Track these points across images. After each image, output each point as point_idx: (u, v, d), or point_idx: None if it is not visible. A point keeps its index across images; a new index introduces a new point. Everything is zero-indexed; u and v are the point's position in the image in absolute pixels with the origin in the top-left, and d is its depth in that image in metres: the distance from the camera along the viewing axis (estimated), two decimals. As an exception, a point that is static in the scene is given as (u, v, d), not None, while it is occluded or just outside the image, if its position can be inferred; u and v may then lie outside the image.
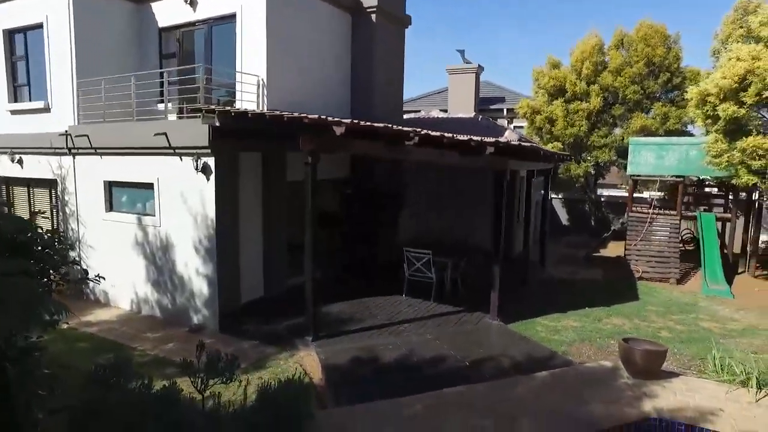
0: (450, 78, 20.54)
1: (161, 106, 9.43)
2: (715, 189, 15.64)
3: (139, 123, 8.67)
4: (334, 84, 11.08)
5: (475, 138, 7.49)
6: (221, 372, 4.16)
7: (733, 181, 10.99)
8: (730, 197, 14.28)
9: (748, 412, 5.29)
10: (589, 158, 17.31)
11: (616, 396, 5.49)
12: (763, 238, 14.87)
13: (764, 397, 5.65)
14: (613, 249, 16.34)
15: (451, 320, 8.52)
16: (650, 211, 13.59)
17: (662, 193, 15.75)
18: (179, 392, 4.02)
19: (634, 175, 14.30)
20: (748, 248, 13.53)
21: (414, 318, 8.57)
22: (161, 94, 9.54)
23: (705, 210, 14.30)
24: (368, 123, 7.05)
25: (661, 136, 15.81)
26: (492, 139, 7.57)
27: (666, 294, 10.91)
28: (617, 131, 17.44)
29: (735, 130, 10.93)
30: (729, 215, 13.26)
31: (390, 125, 7.29)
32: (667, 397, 5.49)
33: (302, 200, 8.77)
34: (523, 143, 8.90)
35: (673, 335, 8.14)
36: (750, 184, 10.73)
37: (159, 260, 8.65)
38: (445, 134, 7.27)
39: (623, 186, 19.96)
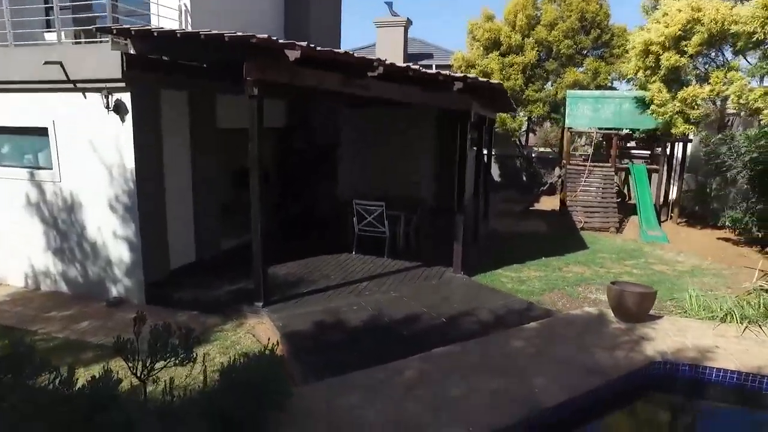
0: (378, 31, 19.52)
1: (51, 37, 7.59)
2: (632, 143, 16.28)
3: (22, 49, 6.87)
4: (267, 20, 9.68)
5: (443, 72, 6.69)
6: (174, 350, 3.10)
7: (672, 131, 11.17)
8: (658, 150, 14.81)
9: (740, 346, 5.13)
10: (523, 113, 17.23)
11: (614, 342, 5.10)
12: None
13: (746, 329, 5.57)
14: (547, 203, 16.54)
15: (412, 276, 7.83)
16: (587, 163, 13.70)
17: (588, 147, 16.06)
18: (116, 383, 2.91)
19: (571, 128, 14.32)
20: (670, 197, 14.15)
21: (372, 275, 7.77)
22: (48, 21, 7.68)
23: (636, 162, 14.72)
24: (326, 48, 5.96)
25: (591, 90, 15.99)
26: (460, 74, 6.82)
27: (610, 242, 11.02)
28: (549, 86, 17.46)
29: (674, 80, 11.07)
30: (657, 167, 13.71)
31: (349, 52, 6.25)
32: (663, 339, 5.20)
33: (235, 151, 7.51)
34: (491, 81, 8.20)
35: (634, 279, 8.04)
36: (686, 134, 10.97)
37: (62, 224, 7.06)
38: (411, 65, 6.39)
39: (539, 147, 20.37)
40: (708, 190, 13.46)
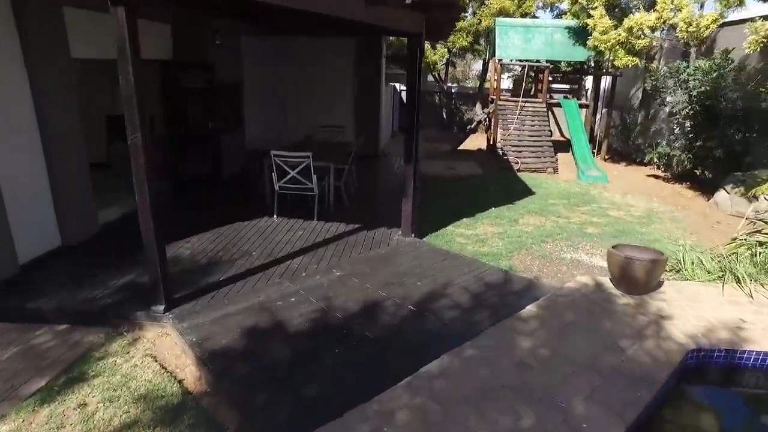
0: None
1: None
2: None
3: None
4: None
5: (393, -25, 4.97)
6: None
7: (616, 62, 10.36)
8: (580, 85, 14.25)
9: (763, 316, 4.40)
10: (445, 44, 15.77)
11: (635, 327, 4.10)
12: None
13: (750, 292, 4.89)
14: (472, 142, 15.62)
15: (355, 243, 6.35)
16: (519, 99, 12.75)
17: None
18: None
19: (501, 59, 13.18)
20: (597, 134, 13.80)
21: (305, 247, 6.19)
22: None
23: (566, 97, 14.06)
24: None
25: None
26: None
27: (553, 185, 10.28)
28: (470, 15, 16.08)
29: (616, 6, 10.15)
30: (588, 102, 13.13)
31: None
32: (682, 316, 4.30)
33: (106, 92, 5.36)
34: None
35: (600, 230, 7.28)
36: (630, 66, 10.25)
37: None
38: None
39: (460, 81, 19.23)
40: (632, 126, 13.23)
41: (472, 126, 14.21)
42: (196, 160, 8.63)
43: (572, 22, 12.80)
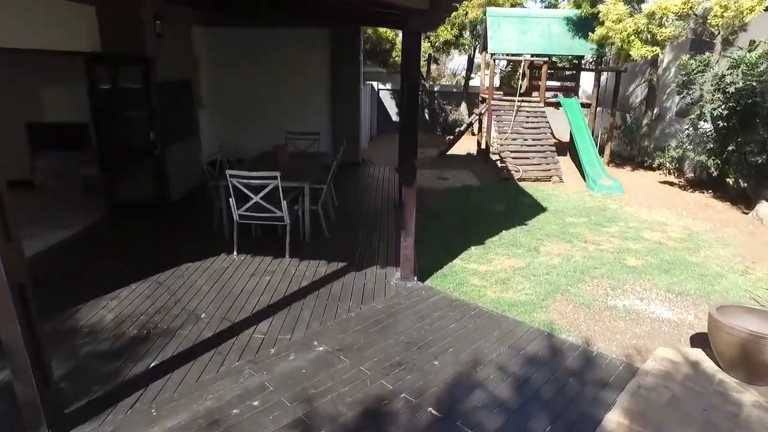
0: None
1: None
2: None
3: None
4: None
5: None
6: None
7: (632, 54, 9.02)
8: (572, 83, 12.98)
9: None
10: (426, 37, 14.29)
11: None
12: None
13: None
14: (459, 145, 14.18)
15: (341, 293, 4.77)
16: (516, 98, 11.35)
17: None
18: None
19: (494, 54, 11.75)
20: (599, 136, 12.55)
21: (273, 304, 4.58)
22: None
23: (566, 96, 12.74)
24: None
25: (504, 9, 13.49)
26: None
27: (563, 198, 8.89)
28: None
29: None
30: (589, 101, 11.82)
31: None
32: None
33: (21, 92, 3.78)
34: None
35: (643, 261, 5.88)
36: (649, 57, 8.95)
37: None
38: None
39: (442, 79, 17.87)
40: (635, 126, 12.01)
41: (462, 128, 12.77)
42: (135, 181, 6.89)
43: (572, 12, 11.50)
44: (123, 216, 6.83)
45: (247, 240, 5.90)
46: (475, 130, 14.02)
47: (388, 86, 16.29)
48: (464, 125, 12.87)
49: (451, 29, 14.03)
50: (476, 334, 4.12)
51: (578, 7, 10.74)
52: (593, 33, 10.63)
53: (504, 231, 6.96)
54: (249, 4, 7.48)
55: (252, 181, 5.24)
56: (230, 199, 5.36)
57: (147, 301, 4.55)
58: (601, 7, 9.42)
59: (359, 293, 4.80)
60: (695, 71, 8.13)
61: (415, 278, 5.08)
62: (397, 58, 14.34)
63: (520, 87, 12.08)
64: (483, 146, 12.42)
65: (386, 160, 11.77)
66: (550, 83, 13.53)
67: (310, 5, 8.06)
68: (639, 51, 8.66)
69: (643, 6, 8.38)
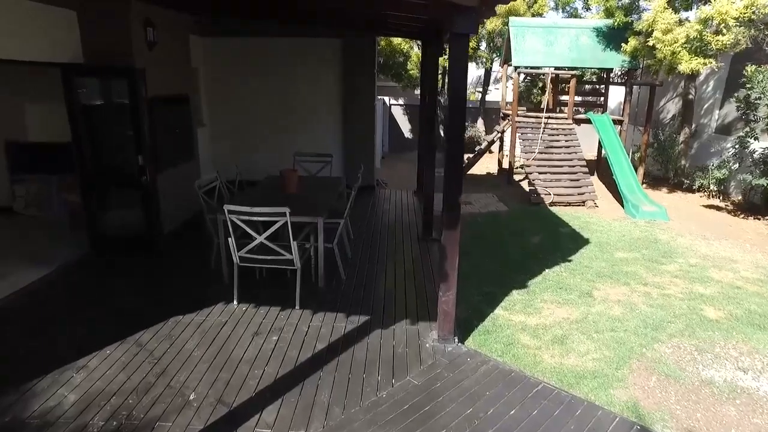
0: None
1: None
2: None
3: None
4: None
5: None
6: None
7: (680, 68, 8.07)
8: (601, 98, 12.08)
9: None
10: (445, 50, 13.45)
11: None
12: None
13: None
14: (478, 164, 13.28)
15: (366, 364, 3.80)
16: (544, 115, 10.45)
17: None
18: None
19: (518, 67, 10.88)
20: (629, 154, 11.61)
21: (281, 377, 3.62)
22: None
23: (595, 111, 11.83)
24: None
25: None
26: None
27: (605, 226, 7.92)
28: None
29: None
30: (623, 118, 10.90)
31: None
32: None
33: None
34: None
35: (725, 313, 4.89)
36: (701, 70, 8.05)
37: None
38: None
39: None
40: (669, 144, 11.08)
41: (482, 147, 11.85)
42: (120, 212, 5.98)
43: (602, 22, 10.64)
44: (107, 252, 5.91)
45: (249, 283, 4.97)
46: (494, 149, 13.12)
47: (401, 101, 15.46)
48: (485, 143, 11.97)
49: (473, 39, 13.21)
50: (546, 426, 3.15)
51: (610, 16, 9.89)
52: (626, 44, 9.77)
53: (547, 269, 6.01)
54: (253, 6, 6.64)
55: (259, 218, 4.31)
56: (229, 239, 4.43)
57: (122, 373, 3.60)
58: (646, 15, 8.54)
59: (389, 361, 3.84)
60: (762, 82, 7.18)
61: (456, 339, 4.12)
62: (411, 71, 13.52)
63: (546, 102, 11.21)
64: (505, 166, 11.51)
65: (401, 181, 10.89)
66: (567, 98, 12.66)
67: (329, 3, 7.24)
68: (689, 64, 7.75)
69: (691, 13, 7.52)
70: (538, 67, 11.23)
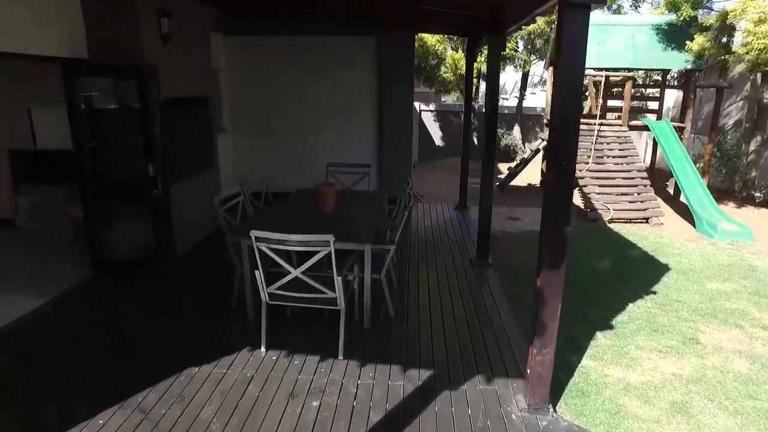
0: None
1: None
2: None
3: None
4: None
5: None
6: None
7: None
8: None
9: None
10: (482, 52, 12.53)
11: None
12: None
13: None
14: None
15: (439, 448, 2.86)
16: (597, 121, 9.44)
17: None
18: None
19: (568, 69, 9.89)
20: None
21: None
22: None
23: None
24: None
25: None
26: None
27: (680, 248, 6.87)
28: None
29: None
30: (684, 124, 9.83)
31: None
32: None
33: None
34: None
35: None
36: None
37: None
38: None
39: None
40: (733, 153, 9.97)
41: (526, 156, 10.86)
42: (128, 230, 5.14)
43: (662, 19, 9.62)
44: (110, 277, 5.06)
45: (279, 321, 4.06)
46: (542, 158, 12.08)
47: (431, 107, 14.55)
48: (529, 152, 10.97)
49: (508, 42, 12.28)
50: None
51: (675, 9, 8.86)
52: (691, 41, 8.75)
53: (629, 303, 5.01)
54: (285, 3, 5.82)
55: (294, 247, 3.41)
56: (257, 272, 3.52)
57: (120, 454, 2.71)
58: (730, 5, 7.52)
59: (468, 445, 2.88)
60: None
61: (550, 407, 3.15)
62: (445, 75, 12.61)
63: (590, 108, 10.21)
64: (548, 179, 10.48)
65: (437, 194, 9.96)
66: (613, 103, 11.60)
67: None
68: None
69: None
70: (592, 68, 10.21)
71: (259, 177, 5.32)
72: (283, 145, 8.27)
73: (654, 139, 9.93)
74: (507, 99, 17.62)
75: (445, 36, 12.62)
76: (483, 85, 14.09)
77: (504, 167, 13.86)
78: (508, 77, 16.33)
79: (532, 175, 12.13)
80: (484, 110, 8.20)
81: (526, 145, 14.77)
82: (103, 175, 4.88)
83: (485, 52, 12.87)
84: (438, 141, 14.83)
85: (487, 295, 4.88)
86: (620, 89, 10.45)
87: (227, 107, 8.11)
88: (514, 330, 4.15)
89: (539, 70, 15.05)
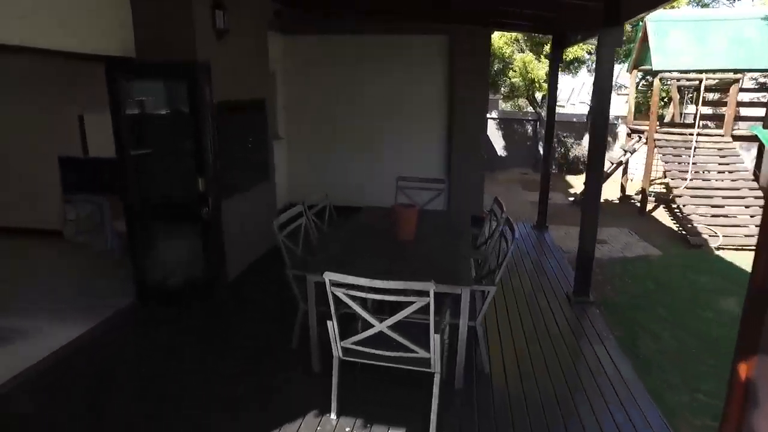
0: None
1: None
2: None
3: None
4: None
5: None
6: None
7: None
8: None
9: None
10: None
11: None
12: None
13: None
14: (581, 185, 11.16)
15: None
16: (695, 131, 8.27)
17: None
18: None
19: (660, 72, 8.76)
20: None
21: None
22: None
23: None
24: None
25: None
26: None
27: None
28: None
29: None
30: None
31: None
32: None
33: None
34: None
35: None
36: None
37: None
38: None
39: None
40: None
41: (609, 170, 9.75)
42: (173, 251, 4.51)
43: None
44: (153, 303, 4.45)
45: (348, 378, 3.27)
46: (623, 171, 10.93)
47: (494, 114, 13.60)
48: (612, 165, 9.84)
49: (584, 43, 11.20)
50: None
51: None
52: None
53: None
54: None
55: (372, 294, 2.62)
56: (330, 323, 2.75)
57: None
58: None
59: None
60: None
61: None
62: (513, 79, 11.64)
63: (672, 115, 9.02)
64: (630, 192, 9.38)
65: (507, 209, 8.99)
66: (706, 109, 10.29)
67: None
68: None
69: None
70: (684, 71, 9.02)
71: (325, 195, 4.58)
72: (342, 154, 7.58)
73: (759, 150, 8.66)
74: (563, 107, 16.43)
75: (513, 38, 11.69)
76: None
77: (572, 180, 12.76)
78: (565, 83, 15.14)
79: (609, 188, 10.98)
80: (546, 118, 7.26)
81: (597, 155, 13.54)
82: (147, 188, 4.28)
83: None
84: (500, 150, 13.84)
85: (595, 343, 3.93)
86: (718, 94, 9.22)
87: (282, 112, 7.50)
88: (644, 398, 3.20)
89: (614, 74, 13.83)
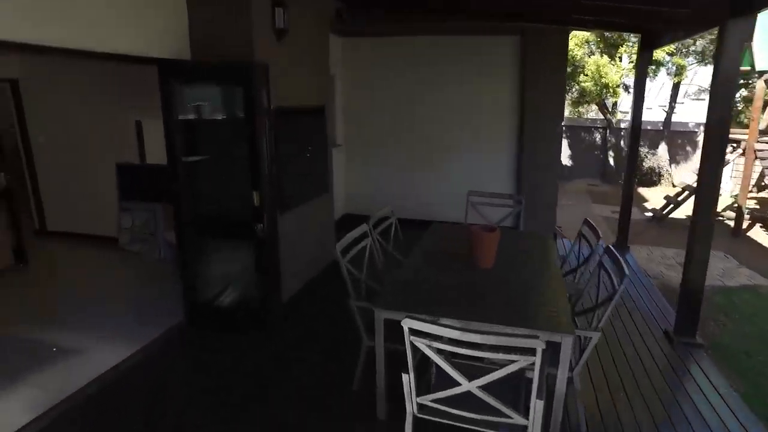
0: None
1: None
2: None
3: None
4: None
5: None
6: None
7: None
8: None
9: None
10: (627, 55, 10.66)
11: None
12: None
13: None
14: (656, 199, 10.22)
15: None
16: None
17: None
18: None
19: (764, 73, 7.79)
20: None
21: None
22: None
23: None
24: None
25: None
26: None
27: None
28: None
29: None
30: None
31: None
32: None
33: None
34: None
35: None
36: None
37: None
38: None
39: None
40: None
41: (693, 184, 8.80)
42: (226, 269, 4.16)
43: None
44: (203, 326, 4.11)
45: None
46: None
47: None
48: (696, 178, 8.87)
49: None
50: None
51: None
52: None
53: None
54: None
55: (461, 349, 2.10)
56: (406, 377, 2.26)
57: None
58: None
59: None
60: None
61: None
62: (584, 84, 10.82)
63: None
64: (722, 209, 8.40)
65: (571, 223, 8.23)
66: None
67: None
68: None
69: None
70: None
71: (388, 208, 4.11)
72: (402, 162, 7.12)
73: None
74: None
75: (584, 39, 10.86)
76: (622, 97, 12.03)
77: (646, 193, 11.76)
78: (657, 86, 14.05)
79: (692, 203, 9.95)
80: (631, 125, 6.48)
81: (673, 167, 12.45)
82: (197, 198, 3.95)
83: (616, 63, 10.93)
84: (566, 160, 12.98)
85: (714, 398, 3.24)
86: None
87: (341, 117, 7.13)
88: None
89: (697, 77, 12.67)
